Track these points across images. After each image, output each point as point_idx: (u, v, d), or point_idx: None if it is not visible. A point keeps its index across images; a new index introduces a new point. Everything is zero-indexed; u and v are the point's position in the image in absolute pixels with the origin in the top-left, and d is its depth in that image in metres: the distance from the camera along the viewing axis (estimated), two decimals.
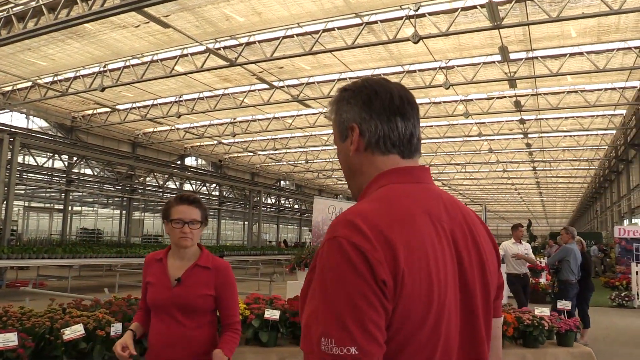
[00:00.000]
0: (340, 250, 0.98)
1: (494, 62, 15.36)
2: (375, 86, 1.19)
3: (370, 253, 0.97)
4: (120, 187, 25.96)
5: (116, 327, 3.09)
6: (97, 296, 7.23)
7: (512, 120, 22.17)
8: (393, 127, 1.16)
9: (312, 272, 1.05)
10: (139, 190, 26.54)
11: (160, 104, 20.94)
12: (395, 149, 1.17)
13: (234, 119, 23.52)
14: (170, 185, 27.45)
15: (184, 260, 2.44)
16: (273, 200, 35.65)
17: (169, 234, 2.45)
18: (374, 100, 1.17)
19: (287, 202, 38.16)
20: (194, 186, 28.66)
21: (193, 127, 25.11)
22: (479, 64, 15.52)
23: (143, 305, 2.48)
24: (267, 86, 18.07)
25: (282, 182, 40.09)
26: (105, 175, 24.68)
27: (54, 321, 2.89)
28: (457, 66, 15.96)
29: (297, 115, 22.50)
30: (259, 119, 23.42)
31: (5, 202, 15.42)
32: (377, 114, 1.16)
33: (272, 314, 4.21)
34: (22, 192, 25.46)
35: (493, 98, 19.10)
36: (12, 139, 15.90)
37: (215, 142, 28.31)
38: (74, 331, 2.81)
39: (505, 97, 18.86)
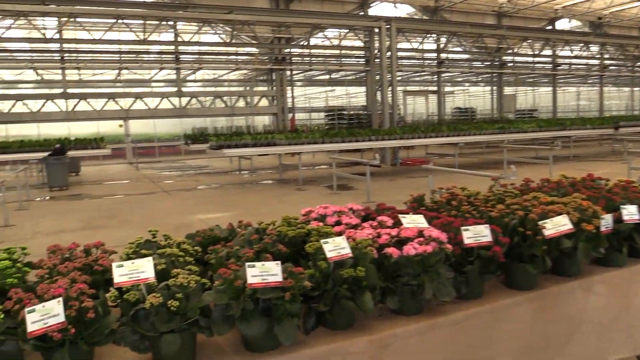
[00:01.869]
0: None
1: None
2: None
3: None
4: (489, 63, 25.17)
5: (607, 220, 2.33)
6: (494, 173, 6.77)
7: None
8: None
9: None
10: (509, 64, 25.13)
11: None
12: None
13: None
14: (545, 52, 24.93)
15: None
16: None
17: None
18: None
19: None
20: (571, 52, 25.40)
21: None
22: None
23: None
24: None
25: None
26: (473, 52, 24.22)
27: (527, 210, 2.29)
28: None
29: None
30: None
31: (390, 87, 16.51)
32: None
33: None
34: (399, 78, 27.27)
35: None
36: (388, 26, 16.60)
37: None
38: (556, 225, 2.16)
39: None
